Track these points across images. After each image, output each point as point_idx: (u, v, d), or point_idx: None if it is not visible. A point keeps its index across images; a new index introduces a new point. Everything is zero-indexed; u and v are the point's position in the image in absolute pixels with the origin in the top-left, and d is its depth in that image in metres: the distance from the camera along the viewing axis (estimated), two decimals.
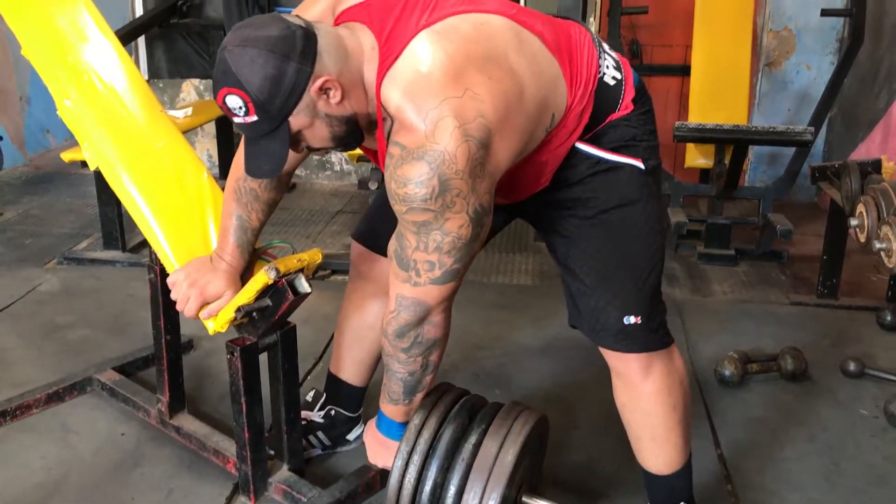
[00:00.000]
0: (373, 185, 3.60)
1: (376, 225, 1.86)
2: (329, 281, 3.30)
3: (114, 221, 3.43)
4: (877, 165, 2.79)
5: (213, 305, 1.68)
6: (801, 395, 2.47)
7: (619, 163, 1.53)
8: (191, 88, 4.84)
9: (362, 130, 1.44)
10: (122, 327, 2.81)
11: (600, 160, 1.52)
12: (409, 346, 1.49)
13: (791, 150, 3.82)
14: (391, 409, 1.62)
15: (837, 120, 4.34)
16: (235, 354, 1.75)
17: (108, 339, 2.72)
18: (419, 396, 1.59)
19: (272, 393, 1.88)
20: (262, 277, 1.63)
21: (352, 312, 1.97)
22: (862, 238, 2.39)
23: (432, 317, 1.46)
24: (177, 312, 1.87)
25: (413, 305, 1.43)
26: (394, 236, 1.42)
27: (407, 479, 1.53)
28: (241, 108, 1.32)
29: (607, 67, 1.53)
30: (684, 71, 4.21)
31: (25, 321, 2.85)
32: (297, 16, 1.37)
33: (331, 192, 4.67)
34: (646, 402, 1.65)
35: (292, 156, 1.62)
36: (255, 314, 1.71)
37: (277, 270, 1.63)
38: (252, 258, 1.77)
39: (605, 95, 1.50)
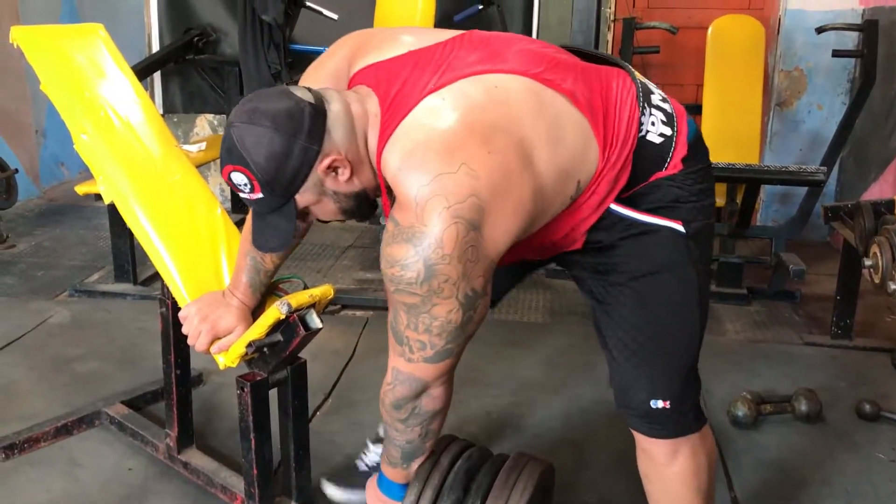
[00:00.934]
0: (384, 220, 3.60)
1: None
2: (339, 316, 3.29)
3: (125, 254, 3.44)
4: (890, 206, 2.77)
5: (223, 340, 1.67)
6: (816, 438, 2.43)
7: (654, 225, 1.40)
8: (205, 123, 4.89)
9: (372, 202, 1.41)
10: (132, 360, 2.81)
11: (634, 222, 1.40)
12: (406, 417, 1.45)
13: (803, 190, 3.81)
14: (391, 471, 1.58)
15: (850, 160, 4.34)
16: (245, 390, 1.74)
17: (117, 372, 2.72)
18: (418, 461, 1.55)
19: (281, 429, 1.87)
20: (274, 313, 1.62)
21: None
22: (877, 279, 2.37)
23: (430, 390, 1.41)
24: (187, 347, 1.86)
25: (408, 380, 1.38)
26: (390, 308, 1.36)
27: None
28: (246, 185, 1.30)
29: (652, 124, 1.39)
30: (696, 110, 4.22)
31: (35, 353, 2.85)
32: (307, 88, 1.33)
33: (341, 227, 4.67)
34: (670, 484, 1.55)
35: None
36: (265, 350, 1.70)
37: (289, 306, 1.62)
38: (264, 295, 1.76)
39: (647, 154, 1.38)
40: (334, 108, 1.30)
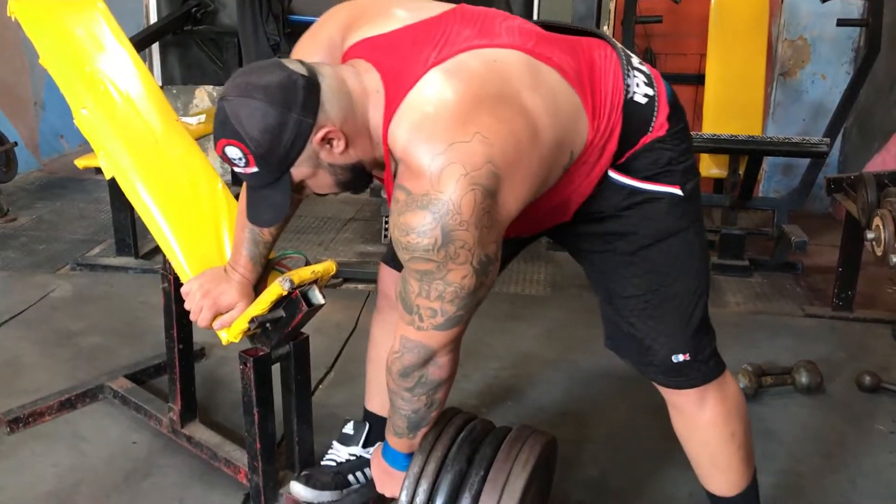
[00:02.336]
0: (384, 193, 3.60)
1: None
2: (342, 290, 3.30)
3: (127, 228, 3.44)
4: (893, 177, 2.76)
5: (226, 316, 1.67)
6: (816, 410, 2.44)
7: (656, 193, 1.45)
8: (204, 95, 4.86)
9: (369, 174, 1.41)
10: (135, 334, 2.82)
11: (634, 190, 1.44)
12: (412, 385, 1.44)
13: (806, 161, 3.79)
14: (395, 441, 1.57)
15: (853, 130, 4.32)
16: (248, 365, 1.75)
17: (120, 346, 2.73)
18: (423, 431, 1.54)
19: (284, 404, 1.88)
20: (276, 289, 1.63)
21: (383, 344, 1.86)
22: (879, 252, 2.37)
23: (437, 358, 1.41)
24: (190, 322, 1.87)
25: (417, 348, 1.38)
26: (399, 278, 1.37)
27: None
28: (240, 158, 1.30)
29: (637, 86, 1.44)
30: (699, 80, 4.19)
31: (38, 328, 2.86)
32: (299, 61, 1.32)
33: (343, 200, 4.66)
34: (703, 433, 1.61)
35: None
36: (268, 325, 1.71)
37: (291, 282, 1.62)
38: (266, 269, 1.76)
39: (635, 115, 1.42)
40: (328, 82, 1.30)
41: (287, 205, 1.36)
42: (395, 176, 1.32)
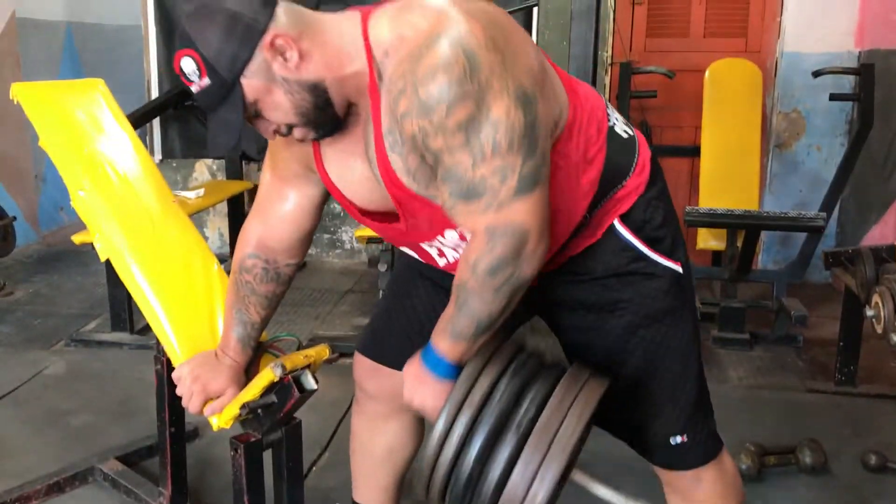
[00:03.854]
0: (382, 267, 3.59)
1: (382, 335, 1.75)
2: (337, 365, 3.26)
3: (122, 302, 3.42)
4: (891, 251, 2.76)
5: (216, 402, 1.64)
6: (822, 491, 2.39)
7: (657, 267, 1.43)
8: (203, 168, 4.89)
9: (335, 108, 1.30)
10: (128, 413, 2.78)
11: (639, 255, 1.41)
12: (501, 283, 1.27)
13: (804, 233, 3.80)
14: (448, 345, 1.35)
15: (850, 202, 4.34)
16: (239, 451, 1.71)
17: (112, 426, 2.69)
18: (485, 339, 1.35)
19: (275, 491, 1.83)
20: (268, 374, 1.60)
21: (366, 437, 1.83)
22: (879, 329, 2.35)
23: (531, 247, 1.25)
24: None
25: (508, 231, 1.23)
26: (441, 189, 1.25)
27: (454, 434, 1.30)
28: (194, 71, 1.26)
29: (617, 119, 1.44)
30: (694, 152, 4.23)
31: (29, 406, 2.82)
32: None
33: (340, 271, 4.67)
34: None
35: (288, 241, 1.58)
36: (259, 411, 1.67)
37: (283, 367, 1.60)
38: (258, 352, 1.74)
39: (618, 146, 1.41)
40: (286, 3, 1.29)
41: (239, 122, 1.28)
42: (379, 86, 1.26)
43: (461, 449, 1.29)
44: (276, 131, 1.33)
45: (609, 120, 1.42)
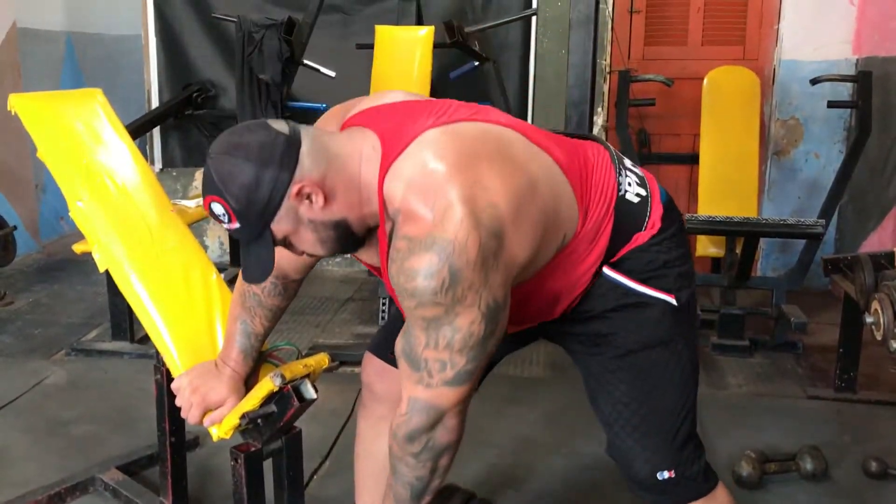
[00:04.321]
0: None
1: (395, 336, 1.79)
2: (338, 373, 3.26)
3: (123, 312, 3.42)
4: (890, 258, 2.76)
5: (216, 413, 1.64)
6: (823, 498, 2.39)
7: (649, 298, 1.44)
8: None
9: (357, 235, 1.38)
10: (128, 422, 2.78)
11: (628, 291, 1.44)
12: (419, 450, 1.38)
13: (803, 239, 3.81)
14: None
15: (848, 208, 4.34)
16: (239, 461, 1.71)
17: (113, 435, 2.68)
18: (425, 501, 1.47)
19: (276, 501, 1.83)
20: (268, 384, 1.61)
21: (371, 440, 1.84)
22: (878, 336, 2.35)
23: (446, 420, 1.36)
24: None
25: (426, 409, 1.34)
26: (401, 334, 1.34)
27: None
28: (223, 214, 1.31)
29: (629, 185, 1.47)
30: (693, 159, 4.23)
31: (30, 416, 2.82)
32: (285, 121, 1.35)
33: (341, 279, 4.67)
34: None
35: (298, 262, 1.61)
36: (259, 421, 1.68)
37: (283, 377, 1.60)
38: (257, 361, 1.74)
39: (627, 213, 1.44)
40: (310, 141, 1.31)
41: (272, 260, 1.35)
42: (389, 235, 1.31)
43: None
44: (303, 253, 1.42)
45: (620, 190, 1.45)
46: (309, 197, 1.30)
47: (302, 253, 1.41)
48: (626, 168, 1.49)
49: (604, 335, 1.47)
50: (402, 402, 1.37)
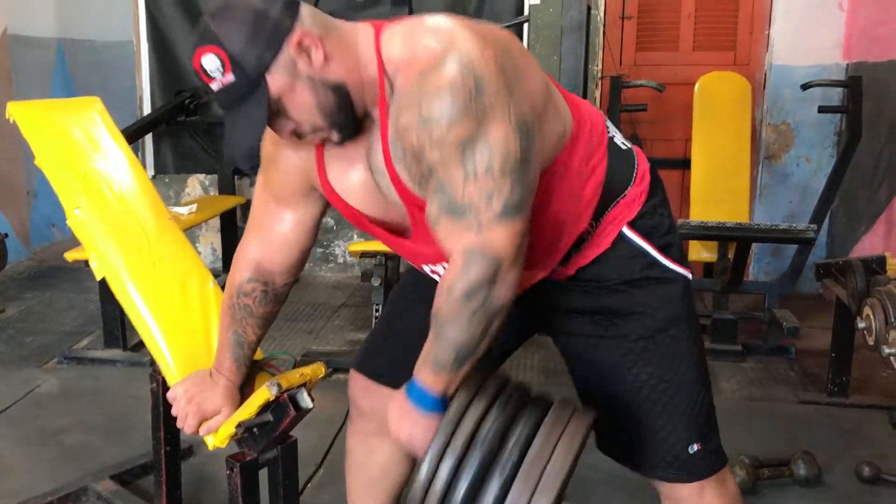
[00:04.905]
0: (375, 281, 3.59)
1: (378, 353, 1.76)
2: (332, 380, 3.26)
3: (115, 319, 3.41)
4: (881, 263, 2.77)
5: (212, 422, 1.64)
6: (816, 503, 2.39)
7: (673, 273, 1.47)
8: (196, 183, 4.90)
9: (355, 111, 1.31)
10: (122, 430, 2.77)
11: (653, 261, 1.45)
12: (476, 308, 1.26)
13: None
14: (431, 377, 1.33)
15: (840, 213, 4.37)
16: (235, 470, 1.71)
17: (106, 444, 2.67)
18: (467, 368, 1.33)
19: None
20: (264, 393, 1.60)
21: (360, 455, 1.83)
22: (870, 341, 2.36)
23: (505, 273, 1.25)
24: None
25: (483, 256, 1.24)
26: (430, 199, 1.26)
27: (439, 477, 1.28)
28: (217, 68, 1.25)
29: (615, 133, 1.49)
30: (685, 164, 4.25)
31: (22, 425, 2.81)
32: None
33: (333, 285, 4.67)
34: None
35: (284, 262, 1.57)
36: (255, 430, 1.67)
37: (279, 386, 1.60)
38: (253, 370, 1.74)
39: (618, 156, 1.46)
40: (308, 8, 1.30)
41: (263, 122, 1.27)
42: (388, 100, 1.29)
43: (447, 491, 1.28)
44: (295, 131, 1.33)
45: (609, 132, 1.47)
46: (308, 52, 1.26)
47: (292, 132, 1.33)
48: (610, 123, 1.52)
49: (626, 314, 1.46)
50: (454, 256, 1.27)
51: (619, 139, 1.49)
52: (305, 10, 1.28)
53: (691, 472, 1.52)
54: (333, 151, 1.41)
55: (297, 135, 1.33)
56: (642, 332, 1.47)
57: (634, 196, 1.46)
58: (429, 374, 1.33)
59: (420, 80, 1.22)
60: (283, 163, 1.48)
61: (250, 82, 1.26)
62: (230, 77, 1.25)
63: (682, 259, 1.50)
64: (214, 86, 1.27)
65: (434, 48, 1.23)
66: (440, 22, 1.28)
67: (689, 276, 1.50)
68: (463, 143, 1.21)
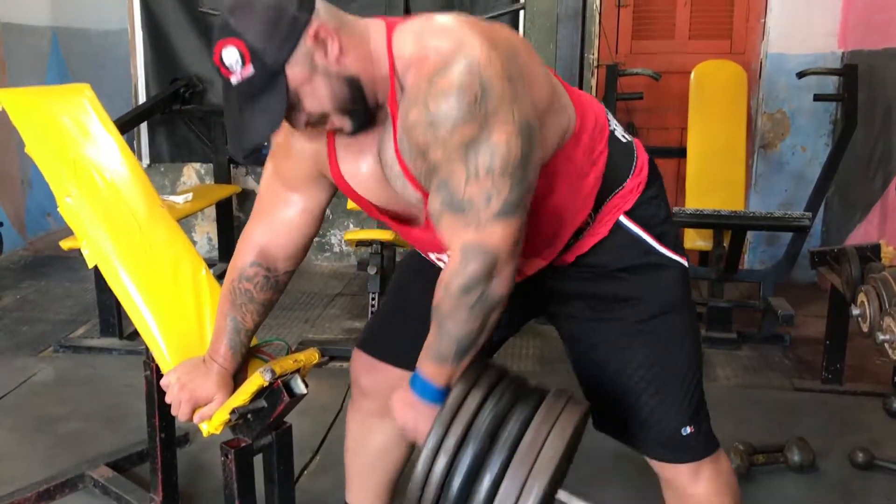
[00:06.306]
0: (372, 270, 3.59)
1: (382, 332, 1.80)
2: (327, 368, 3.26)
3: (111, 308, 3.41)
4: (876, 250, 2.78)
5: (205, 409, 1.64)
6: (811, 489, 2.41)
7: (670, 260, 1.52)
8: (192, 172, 4.88)
9: (368, 103, 1.34)
10: (117, 419, 2.77)
11: (650, 249, 1.50)
12: (474, 302, 1.32)
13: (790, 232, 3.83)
14: (434, 369, 1.39)
15: (835, 201, 4.37)
16: (229, 457, 1.71)
17: (102, 432, 2.68)
18: (468, 360, 1.39)
19: (266, 495, 1.83)
20: (258, 379, 1.60)
21: (360, 435, 1.85)
22: (865, 328, 2.37)
23: (501, 269, 1.31)
24: None
25: (480, 252, 1.29)
26: (433, 195, 1.31)
27: (440, 458, 1.32)
28: (237, 61, 1.27)
29: (616, 126, 1.53)
30: (681, 153, 4.25)
31: (18, 414, 2.81)
32: None
33: (330, 274, 4.67)
34: None
35: (288, 248, 1.59)
36: (249, 416, 1.67)
37: (273, 372, 1.60)
38: (246, 356, 1.74)
39: (618, 150, 1.50)
40: (322, 2, 1.32)
41: (282, 111, 1.29)
42: (398, 97, 1.32)
43: (449, 471, 1.32)
44: (308, 122, 1.35)
45: (610, 125, 1.52)
46: (325, 44, 1.29)
47: (307, 121, 1.35)
48: (611, 116, 1.56)
49: (623, 299, 1.51)
50: (453, 252, 1.32)
51: (620, 132, 1.54)
52: (320, 4, 1.32)
53: (685, 454, 1.56)
54: (344, 141, 1.44)
55: (311, 125, 1.36)
56: (639, 316, 1.51)
57: (632, 187, 1.50)
58: (431, 366, 1.39)
59: (428, 80, 1.25)
60: (294, 149, 1.50)
61: (270, 74, 1.28)
62: (250, 69, 1.28)
63: (678, 247, 1.54)
64: (234, 79, 1.29)
65: (443, 50, 1.26)
66: (450, 22, 1.32)
67: (686, 263, 1.54)
68: (466, 144, 1.25)
